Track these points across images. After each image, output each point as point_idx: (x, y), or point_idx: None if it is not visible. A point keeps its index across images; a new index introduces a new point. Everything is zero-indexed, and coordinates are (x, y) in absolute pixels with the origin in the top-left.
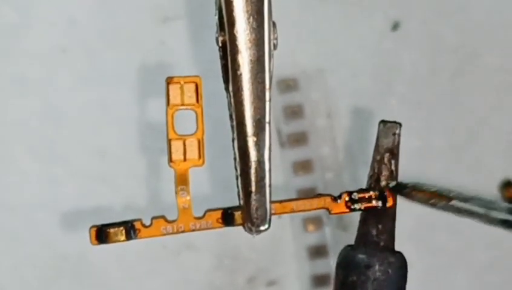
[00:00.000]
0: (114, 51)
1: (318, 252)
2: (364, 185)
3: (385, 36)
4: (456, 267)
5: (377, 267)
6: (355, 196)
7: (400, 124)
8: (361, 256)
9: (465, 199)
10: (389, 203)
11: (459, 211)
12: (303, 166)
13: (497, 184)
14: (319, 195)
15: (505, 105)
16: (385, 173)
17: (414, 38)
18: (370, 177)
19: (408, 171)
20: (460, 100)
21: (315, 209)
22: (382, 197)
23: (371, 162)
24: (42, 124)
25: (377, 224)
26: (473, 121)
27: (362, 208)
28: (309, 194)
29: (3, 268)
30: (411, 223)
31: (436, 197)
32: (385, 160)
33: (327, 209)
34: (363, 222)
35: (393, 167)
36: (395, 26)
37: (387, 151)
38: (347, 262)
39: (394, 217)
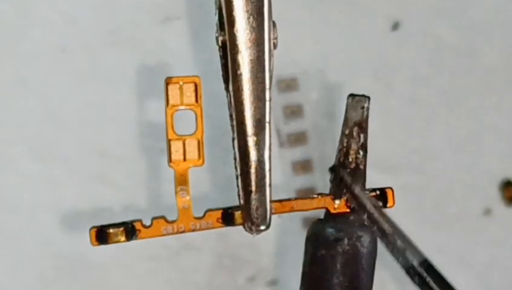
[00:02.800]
0: (114, 51)
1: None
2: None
3: (385, 36)
4: (456, 267)
5: (346, 241)
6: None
7: (368, 98)
8: (330, 230)
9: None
10: (389, 204)
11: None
12: (302, 166)
13: (497, 184)
14: (320, 194)
15: (505, 105)
16: (354, 146)
17: (414, 38)
18: (339, 151)
19: (408, 171)
20: (460, 100)
21: (315, 208)
22: (382, 196)
23: (340, 136)
24: (42, 124)
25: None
26: (473, 121)
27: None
28: (308, 194)
29: (3, 268)
30: (411, 222)
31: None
32: (354, 134)
33: (327, 208)
34: (333, 196)
35: (361, 141)
36: (395, 26)
37: (356, 125)
38: (316, 236)
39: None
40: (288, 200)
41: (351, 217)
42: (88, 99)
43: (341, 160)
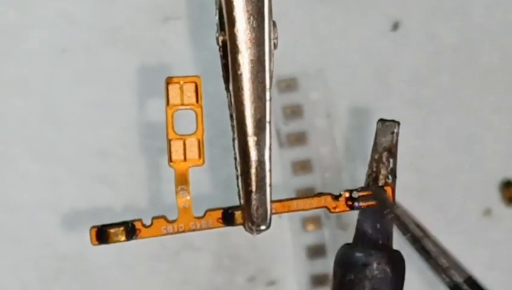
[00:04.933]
0: (114, 51)
1: (317, 251)
2: (363, 185)
3: (385, 36)
4: None
5: (375, 265)
6: (355, 194)
7: (398, 123)
8: (359, 254)
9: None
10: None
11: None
12: (302, 166)
13: (497, 184)
14: (320, 194)
15: (505, 105)
16: (383, 171)
17: (414, 38)
18: (369, 176)
19: (408, 171)
20: (460, 100)
21: (315, 208)
22: None
23: (370, 161)
24: (42, 124)
25: (375, 223)
26: (473, 121)
27: (363, 206)
28: (308, 194)
29: (3, 268)
30: None
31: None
32: (384, 159)
33: (327, 208)
34: (361, 220)
35: (391, 166)
36: (395, 26)
37: (385, 150)
38: (344, 261)
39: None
40: (289, 200)
41: (380, 241)
42: (88, 99)
43: (370, 185)
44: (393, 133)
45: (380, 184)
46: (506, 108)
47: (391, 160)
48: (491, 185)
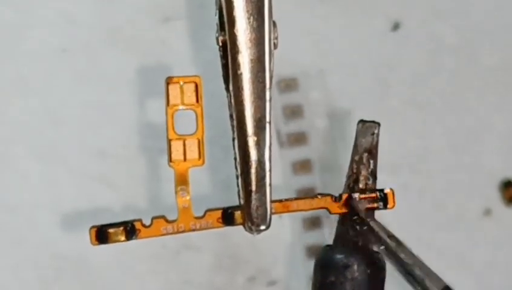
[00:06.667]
0: (114, 51)
1: (317, 252)
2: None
3: (385, 36)
4: (456, 267)
5: (355, 267)
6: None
7: (379, 124)
8: (339, 256)
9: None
10: (390, 205)
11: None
12: (302, 166)
13: (497, 184)
14: (320, 195)
15: (505, 105)
16: (364, 173)
17: (414, 38)
18: (349, 177)
19: (408, 171)
20: (460, 100)
21: (315, 208)
22: (382, 198)
23: (350, 162)
24: (42, 124)
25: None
26: (473, 121)
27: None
28: (308, 194)
29: (3, 268)
30: (411, 223)
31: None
32: (364, 160)
33: (327, 209)
34: (341, 222)
35: (371, 167)
36: (395, 26)
37: (366, 151)
38: (325, 262)
39: (373, 217)
40: (289, 200)
41: (360, 243)
42: (88, 99)
43: (351, 186)
44: (373, 134)
45: (360, 186)
46: (506, 108)
47: (371, 161)
48: (491, 185)
